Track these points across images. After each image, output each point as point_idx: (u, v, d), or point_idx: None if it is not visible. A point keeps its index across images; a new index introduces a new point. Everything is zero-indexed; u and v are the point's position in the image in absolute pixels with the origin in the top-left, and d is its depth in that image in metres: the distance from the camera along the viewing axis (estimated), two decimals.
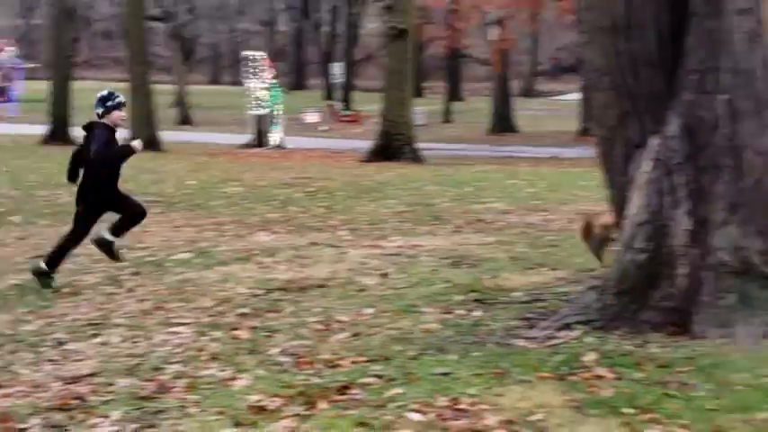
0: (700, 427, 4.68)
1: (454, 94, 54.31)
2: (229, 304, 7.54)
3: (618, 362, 5.64)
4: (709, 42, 6.42)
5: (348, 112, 47.14)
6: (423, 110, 41.02)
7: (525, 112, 48.80)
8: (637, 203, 6.59)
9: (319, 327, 6.81)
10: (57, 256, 8.55)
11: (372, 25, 74.38)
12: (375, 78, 76.22)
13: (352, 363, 5.89)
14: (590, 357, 5.74)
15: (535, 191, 15.97)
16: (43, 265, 8.48)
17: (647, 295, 6.42)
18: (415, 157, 23.46)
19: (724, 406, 4.90)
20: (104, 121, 8.49)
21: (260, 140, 29.71)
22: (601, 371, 5.52)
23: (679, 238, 6.39)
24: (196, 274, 8.81)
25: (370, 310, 7.23)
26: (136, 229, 9.14)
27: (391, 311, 7.17)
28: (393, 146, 23.46)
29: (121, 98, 8.68)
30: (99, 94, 8.64)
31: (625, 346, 5.96)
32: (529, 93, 69.21)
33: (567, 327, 6.41)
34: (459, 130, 42.86)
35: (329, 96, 57.80)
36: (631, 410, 4.88)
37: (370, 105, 49.19)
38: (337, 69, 43.08)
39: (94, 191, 8.55)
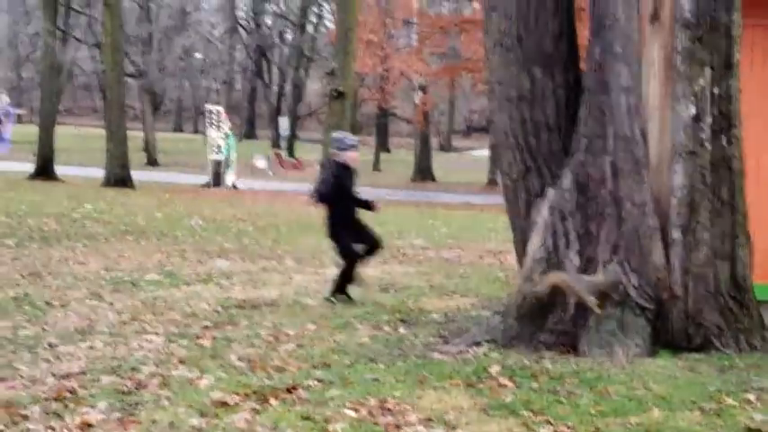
0: (583, 427, 4.85)
1: (383, 147, 54.58)
2: (194, 318, 7.57)
3: (517, 373, 5.81)
4: (597, 113, 6.69)
5: (292, 160, 47.07)
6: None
7: (443, 164, 49.29)
8: (536, 243, 6.82)
9: (270, 338, 6.88)
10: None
11: (315, 86, 74.71)
12: (316, 131, 76.44)
13: (298, 368, 5.97)
14: (494, 369, 5.90)
15: (450, 231, 16.19)
16: (330, 296, 8.35)
17: (543, 320, 6.62)
18: None
19: (603, 411, 5.07)
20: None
21: (217, 182, 29.57)
22: (503, 380, 5.67)
23: (570, 274, 6.62)
24: (165, 292, 8.81)
25: (313, 326, 7.33)
26: (113, 253, 9.10)
27: (330, 327, 7.28)
28: None
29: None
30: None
31: (524, 361, 6.13)
32: (446, 148, 69.83)
33: (477, 344, 6.58)
34: (387, 177, 43.08)
35: (276, 145, 57.73)
36: (527, 413, 5.03)
37: (310, 154, 49.32)
38: (284, 123, 43.13)
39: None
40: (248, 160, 41.91)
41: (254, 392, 5.37)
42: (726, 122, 6.44)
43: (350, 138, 8.30)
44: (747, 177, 6.68)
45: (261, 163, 43.50)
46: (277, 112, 60.42)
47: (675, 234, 6.33)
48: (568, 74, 7.16)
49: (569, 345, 6.48)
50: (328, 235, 8.31)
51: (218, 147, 29.25)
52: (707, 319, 6.36)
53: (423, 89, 39.74)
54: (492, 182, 37.62)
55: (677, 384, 5.57)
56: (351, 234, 8.30)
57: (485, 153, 49.10)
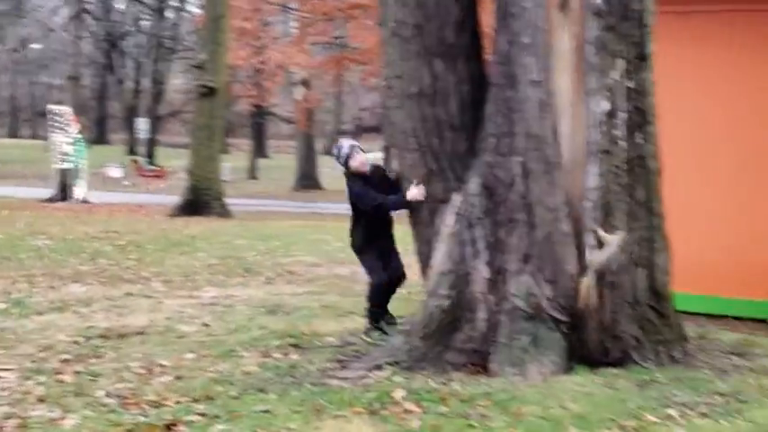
0: None
1: (260, 151, 54.62)
2: (51, 351, 7.62)
3: (424, 397, 6.12)
4: (505, 110, 7.08)
5: (152, 168, 46.66)
6: (228, 166, 41.10)
7: (330, 169, 49.65)
8: (441, 254, 7.17)
9: (142, 371, 7.00)
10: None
11: (178, 81, 74.01)
12: (179, 134, 75.64)
13: (176, 402, 6.13)
14: (399, 394, 6.20)
15: (342, 245, 16.45)
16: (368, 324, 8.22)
17: (450, 338, 6.97)
18: (224, 212, 23.63)
19: None
20: None
21: (64, 194, 29.15)
22: (409, 406, 5.98)
23: (478, 286, 6.99)
24: (15, 323, 8.80)
25: (191, 355, 7.48)
26: None
27: (212, 356, 7.45)
28: (201, 201, 23.56)
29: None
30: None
31: (431, 384, 6.45)
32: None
33: (378, 367, 6.86)
34: (265, 186, 43.20)
35: (133, 151, 57.02)
36: None
37: (174, 161, 48.93)
38: (142, 125, 42.71)
39: None
40: (100, 169, 41.36)
41: (128, 431, 5.52)
42: (641, 118, 6.92)
43: (343, 145, 8.27)
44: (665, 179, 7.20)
45: (115, 172, 43.00)
46: (133, 112, 59.66)
47: (590, 240, 6.76)
48: (473, 67, 7.55)
49: (480, 364, 6.84)
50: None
51: (65, 154, 28.83)
52: (625, 331, 6.82)
53: (305, 84, 40.03)
54: None
55: (595, 402, 5.98)
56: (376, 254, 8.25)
57: (378, 156, 49.69)
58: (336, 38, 40.78)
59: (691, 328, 8.26)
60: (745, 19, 9.25)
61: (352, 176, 8.13)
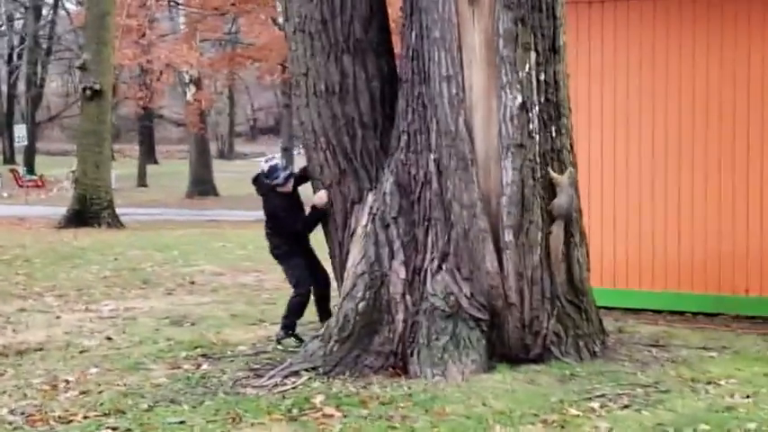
0: None
1: (149, 157, 54.07)
2: None
3: (344, 402, 6.36)
4: (417, 106, 7.38)
5: (32, 177, 45.90)
6: (115, 173, 40.73)
7: (225, 174, 49.47)
8: (356, 255, 7.41)
9: (45, 387, 7.08)
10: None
11: (55, 84, 72.83)
12: (59, 140, 74.49)
13: (85, 417, 6.25)
14: (318, 399, 6.44)
15: (245, 252, 16.60)
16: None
17: (368, 341, 7.22)
18: (115, 222, 23.47)
19: None
20: None
21: None
22: (329, 410, 6.21)
23: (396, 287, 7.26)
24: None
25: (96, 370, 7.58)
26: None
27: (118, 369, 7.55)
28: (90, 210, 23.32)
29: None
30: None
31: (350, 388, 6.71)
32: (227, 155, 69.94)
33: (295, 374, 7.07)
34: (156, 193, 42.80)
35: (11, 160, 55.97)
36: None
37: (54, 169, 48.19)
38: (20, 131, 41.95)
39: None
40: None
41: None
42: (555, 111, 7.28)
43: (279, 168, 8.42)
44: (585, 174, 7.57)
45: None
46: (9, 118, 58.55)
47: (507, 236, 7.08)
48: (382, 62, 7.83)
49: (399, 366, 7.11)
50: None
51: None
52: (544, 327, 7.16)
53: (196, 84, 39.88)
54: None
55: (517, 398, 6.30)
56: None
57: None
58: (228, 33, 40.79)
59: (609, 323, 8.68)
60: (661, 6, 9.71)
61: (275, 192, 8.30)
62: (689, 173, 9.64)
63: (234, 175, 51.91)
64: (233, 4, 33.82)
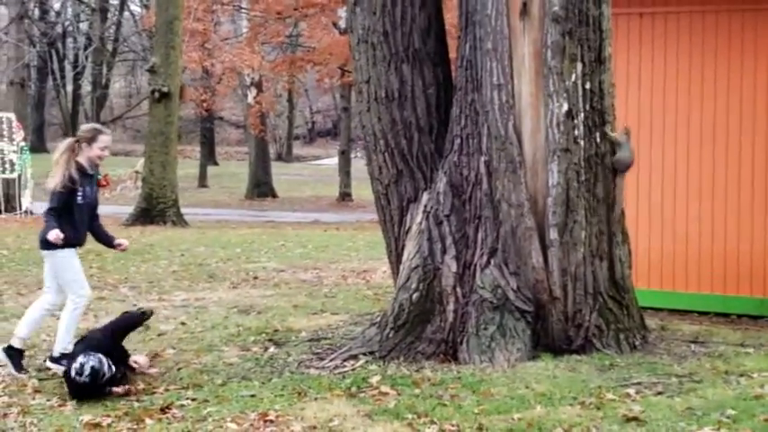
0: (467, 425, 6.03)
1: (210, 158, 55.14)
2: (37, 349, 8.40)
3: (398, 382, 7.00)
4: (470, 112, 8.00)
5: (98, 177, 47.20)
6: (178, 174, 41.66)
7: (284, 176, 50.39)
8: (410, 250, 8.06)
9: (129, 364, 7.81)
10: None
11: (119, 85, 74.32)
12: (121, 141, 75.92)
13: (166, 390, 6.97)
14: (375, 379, 7.08)
15: (305, 251, 17.32)
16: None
17: (421, 329, 7.85)
18: (180, 221, 24.33)
19: (486, 410, 6.29)
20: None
21: (7, 205, 29.60)
22: (384, 388, 6.85)
23: (447, 280, 7.89)
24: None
25: (173, 351, 8.31)
26: None
27: (193, 350, 8.28)
28: (156, 209, 24.25)
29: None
30: None
31: (404, 371, 7.35)
32: (286, 157, 70.85)
33: (354, 357, 7.73)
34: (217, 194, 43.75)
35: None
36: (411, 416, 6.20)
37: (118, 169, 49.41)
38: None
39: None
40: (42, 179, 41.84)
41: (125, 414, 6.35)
42: (599, 118, 7.85)
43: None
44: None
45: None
46: (74, 118, 59.97)
47: (552, 234, 7.67)
48: (438, 71, 8.47)
49: (449, 354, 7.73)
50: None
51: (11, 163, 29.35)
52: (587, 320, 7.73)
53: (257, 87, 40.75)
54: (344, 196, 39.02)
55: (558, 383, 6.87)
56: None
57: (333, 162, 50.53)
58: (289, 37, 41.63)
59: (653, 321, 9.22)
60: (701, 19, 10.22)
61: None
62: (735, 175, 10.07)
63: (292, 178, 52.89)
64: (296, 9, 34.62)
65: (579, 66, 7.75)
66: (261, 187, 42.87)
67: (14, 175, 29.35)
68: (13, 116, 30.04)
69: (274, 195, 42.72)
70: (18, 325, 7.94)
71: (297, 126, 78.07)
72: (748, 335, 8.92)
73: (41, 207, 29.26)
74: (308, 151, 76.83)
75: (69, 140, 7.91)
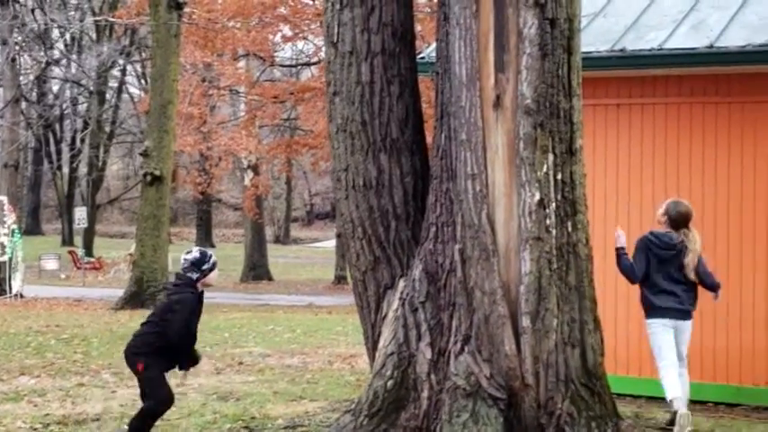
0: None
1: (206, 240, 55.48)
2: None
3: None
4: (445, 200, 8.23)
5: (90, 260, 47.37)
6: (171, 256, 41.92)
7: (280, 259, 50.67)
8: (386, 337, 8.23)
9: None
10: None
11: (115, 166, 74.93)
12: (117, 223, 76.42)
13: None
14: None
15: (293, 335, 17.47)
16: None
17: (395, 416, 7.98)
18: None
19: None
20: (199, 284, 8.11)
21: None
22: None
23: (422, 367, 8.04)
24: None
25: None
26: None
27: None
28: (147, 292, 24.45)
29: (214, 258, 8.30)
30: (191, 257, 8.19)
31: None
32: (283, 239, 71.21)
33: None
34: None
35: (70, 242, 57.68)
36: None
37: (112, 251, 49.70)
38: (81, 214, 43.50)
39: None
40: (34, 261, 42.05)
41: None
42: (571, 208, 8.08)
43: (210, 254, 8.32)
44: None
45: (51, 264, 43.69)
46: (69, 200, 60.39)
47: (525, 322, 7.84)
48: (416, 160, 8.74)
49: None
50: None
51: (1, 246, 29.60)
52: (559, 408, 7.85)
53: (254, 169, 41.21)
54: (340, 279, 39.19)
55: None
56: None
57: (331, 245, 50.77)
58: (286, 120, 42.20)
59: (629, 408, 9.36)
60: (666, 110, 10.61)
61: (191, 289, 8.07)
62: (709, 265, 10.30)
63: (289, 260, 53.19)
64: (291, 93, 35.19)
65: (551, 157, 7.99)
66: (256, 270, 43.11)
67: (5, 257, 29.57)
68: (5, 198, 30.39)
69: (270, 278, 42.92)
70: None
71: (295, 208, 78.66)
72: (720, 423, 9.07)
73: (33, 291, 29.38)
74: (306, 233, 77.30)
75: None
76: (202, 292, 8.24)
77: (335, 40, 8.77)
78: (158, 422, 9.05)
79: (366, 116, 8.66)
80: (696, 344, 10.30)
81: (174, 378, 8.16)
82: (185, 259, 8.19)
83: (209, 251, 8.39)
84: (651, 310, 9.13)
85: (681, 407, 8.64)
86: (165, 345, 8.06)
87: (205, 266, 8.12)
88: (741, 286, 10.33)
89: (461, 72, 8.07)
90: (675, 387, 8.81)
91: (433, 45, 10.08)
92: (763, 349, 10.24)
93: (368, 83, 8.65)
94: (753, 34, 10.19)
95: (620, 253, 9.19)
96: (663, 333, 9.06)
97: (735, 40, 10.21)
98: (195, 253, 8.27)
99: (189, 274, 8.10)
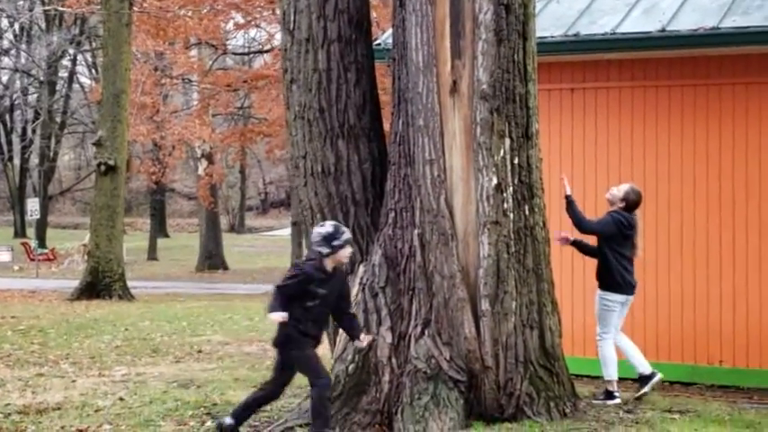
0: None
1: (160, 230, 55.18)
2: None
3: None
4: (404, 186, 8.31)
5: (43, 251, 46.98)
6: (125, 246, 41.70)
7: (236, 248, 50.53)
8: None
9: None
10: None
11: (67, 156, 74.28)
12: (70, 214, 75.81)
13: None
14: None
15: (251, 324, 17.47)
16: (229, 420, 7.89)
17: (357, 400, 8.06)
18: (126, 295, 24.39)
19: None
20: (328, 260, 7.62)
21: None
22: None
23: (383, 351, 8.12)
24: None
25: (109, 426, 8.45)
26: None
27: (130, 426, 8.42)
28: (102, 283, 24.31)
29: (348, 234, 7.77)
30: (324, 231, 7.66)
31: None
32: (238, 228, 71.01)
33: (290, 429, 7.92)
34: (167, 267, 43.79)
35: (22, 233, 57.15)
36: None
37: (66, 242, 49.32)
38: (33, 205, 43.11)
39: None
40: None
41: None
42: (528, 192, 8.19)
43: (344, 230, 7.78)
44: None
45: (4, 256, 43.34)
46: (22, 191, 59.83)
47: (484, 305, 7.95)
48: (374, 146, 8.80)
49: (385, 424, 7.94)
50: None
51: None
52: (518, 389, 7.98)
53: (208, 158, 41.07)
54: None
55: None
56: None
57: (287, 233, 50.73)
58: (240, 108, 42.07)
59: (587, 389, 9.51)
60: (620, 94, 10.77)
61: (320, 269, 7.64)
62: (665, 244, 10.50)
63: (244, 249, 53.07)
64: (245, 81, 35.08)
65: (507, 141, 8.09)
66: (212, 259, 43.00)
67: None
68: None
69: (225, 267, 42.83)
70: None
71: (250, 197, 78.41)
72: (677, 401, 9.23)
73: None
74: (261, 222, 77.09)
75: None
76: (335, 271, 7.68)
77: (292, 28, 8.81)
78: (119, 410, 9.10)
79: (323, 103, 8.70)
80: (652, 324, 10.53)
81: None
82: (318, 233, 7.68)
83: (344, 227, 7.85)
84: (617, 286, 9.33)
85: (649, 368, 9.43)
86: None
87: (336, 242, 7.56)
88: (694, 267, 10.51)
89: (418, 58, 8.15)
90: (616, 366, 9.38)
91: (389, 32, 10.14)
92: (718, 329, 10.44)
93: (325, 70, 8.70)
94: (704, 17, 10.35)
95: (570, 200, 9.34)
96: (618, 309, 9.45)
97: (686, 23, 10.37)
98: (328, 227, 7.70)
99: (318, 248, 7.62)
